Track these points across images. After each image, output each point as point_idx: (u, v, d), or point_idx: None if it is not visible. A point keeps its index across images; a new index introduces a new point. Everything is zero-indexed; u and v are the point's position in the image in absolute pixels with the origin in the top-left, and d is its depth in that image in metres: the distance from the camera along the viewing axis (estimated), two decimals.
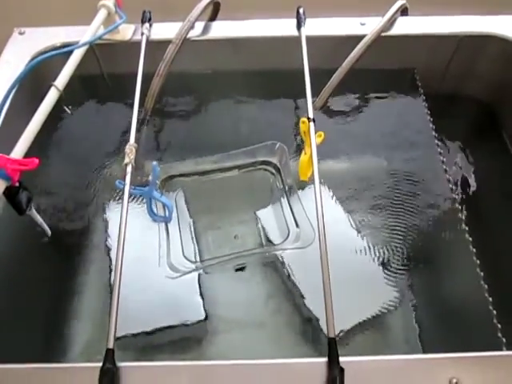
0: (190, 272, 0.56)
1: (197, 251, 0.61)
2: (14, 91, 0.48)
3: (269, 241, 0.61)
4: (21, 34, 0.68)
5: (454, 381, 0.38)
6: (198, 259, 0.60)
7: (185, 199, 0.65)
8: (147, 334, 0.56)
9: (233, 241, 0.62)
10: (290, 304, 0.60)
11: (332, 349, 0.39)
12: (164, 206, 0.59)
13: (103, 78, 0.71)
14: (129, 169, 0.50)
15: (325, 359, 0.38)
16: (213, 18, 0.71)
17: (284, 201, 0.62)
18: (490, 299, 0.49)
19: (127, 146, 0.51)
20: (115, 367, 0.38)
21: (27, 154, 0.49)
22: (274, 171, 0.65)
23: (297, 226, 0.58)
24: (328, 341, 0.39)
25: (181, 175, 0.63)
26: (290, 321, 0.59)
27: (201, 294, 0.58)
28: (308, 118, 0.55)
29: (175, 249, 0.57)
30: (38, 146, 0.52)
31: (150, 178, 0.54)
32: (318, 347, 0.56)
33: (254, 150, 0.63)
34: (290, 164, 0.62)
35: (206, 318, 0.57)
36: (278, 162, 0.64)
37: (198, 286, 0.59)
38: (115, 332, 0.40)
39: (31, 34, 0.68)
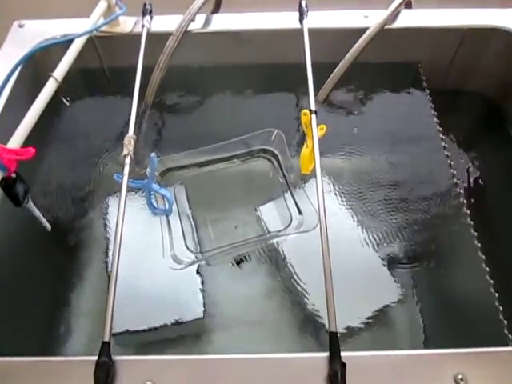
0: (194, 263, 0.55)
1: (198, 243, 0.60)
2: (15, 75, 0.48)
3: (271, 229, 0.60)
4: (20, 26, 0.67)
5: (460, 377, 0.37)
6: (200, 250, 0.59)
7: (184, 191, 0.64)
8: (146, 330, 0.55)
9: (234, 231, 0.62)
10: (292, 300, 0.59)
11: (333, 343, 0.38)
12: (164, 198, 0.58)
13: (103, 70, 0.70)
14: (127, 160, 0.49)
15: (326, 354, 0.37)
16: (215, 10, 0.70)
17: (285, 188, 0.61)
18: (496, 295, 0.48)
19: (126, 138, 0.50)
20: (111, 361, 0.37)
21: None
22: (272, 159, 0.64)
23: (299, 212, 0.57)
24: (329, 335, 0.38)
25: (179, 167, 0.63)
26: (291, 317, 0.58)
27: (201, 291, 0.58)
28: (310, 110, 0.54)
29: (177, 241, 0.57)
30: (38, 138, 0.51)
31: (148, 170, 0.53)
32: (320, 343, 0.54)
33: (250, 139, 0.62)
34: (289, 152, 0.61)
35: (204, 316, 0.56)
36: (275, 150, 0.64)
37: (197, 283, 0.58)
38: (111, 325, 0.39)
39: (31, 26, 0.67)
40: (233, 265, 0.61)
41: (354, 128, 0.69)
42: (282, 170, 0.62)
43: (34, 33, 0.66)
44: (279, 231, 0.59)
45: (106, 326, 0.39)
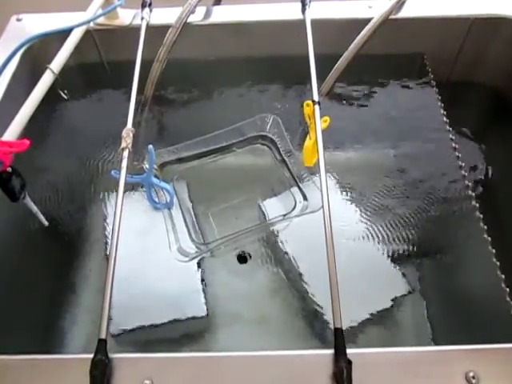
0: (200, 255, 0.55)
1: (202, 234, 0.59)
2: (13, 67, 0.47)
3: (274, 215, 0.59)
4: (18, 20, 0.67)
5: (471, 374, 0.35)
6: (204, 242, 0.58)
7: (183, 184, 0.63)
8: (147, 328, 0.54)
9: (236, 220, 0.60)
10: (296, 297, 0.57)
11: (339, 340, 0.36)
12: (164, 191, 0.57)
13: (102, 64, 0.69)
14: (125, 153, 0.48)
15: (331, 351, 0.36)
16: (217, 2, 0.69)
17: (286, 173, 0.59)
18: (508, 290, 0.46)
19: (124, 130, 0.49)
20: (107, 359, 0.36)
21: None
22: (270, 145, 0.63)
23: (304, 198, 0.56)
24: (334, 331, 0.36)
25: (176, 160, 0.62)
26: (295, 313, 0.57)
27: (203, 288, 0.56)
28: (313, 101, 0.52)
29: (182, 234, 0.56)
30: (36, 133, 0.50)
31: (146, 164, 0.52)
32: (325, 340, 0.53)
33: (246, 126, 0.61)
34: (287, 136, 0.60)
35: (208, 314, 0.55)
36: (273, 135, 0.63)
37: (199, 279, 0.57)
38: (108, 321, 0.37)
39: (29, 20, 0.67)
40: (238, 260, 0.60)
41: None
42: (281, 154, 0.61)
43: (32, 27, 0.65)
44: (284, 215, 0.57)
45: (102, 322, 0.37)
